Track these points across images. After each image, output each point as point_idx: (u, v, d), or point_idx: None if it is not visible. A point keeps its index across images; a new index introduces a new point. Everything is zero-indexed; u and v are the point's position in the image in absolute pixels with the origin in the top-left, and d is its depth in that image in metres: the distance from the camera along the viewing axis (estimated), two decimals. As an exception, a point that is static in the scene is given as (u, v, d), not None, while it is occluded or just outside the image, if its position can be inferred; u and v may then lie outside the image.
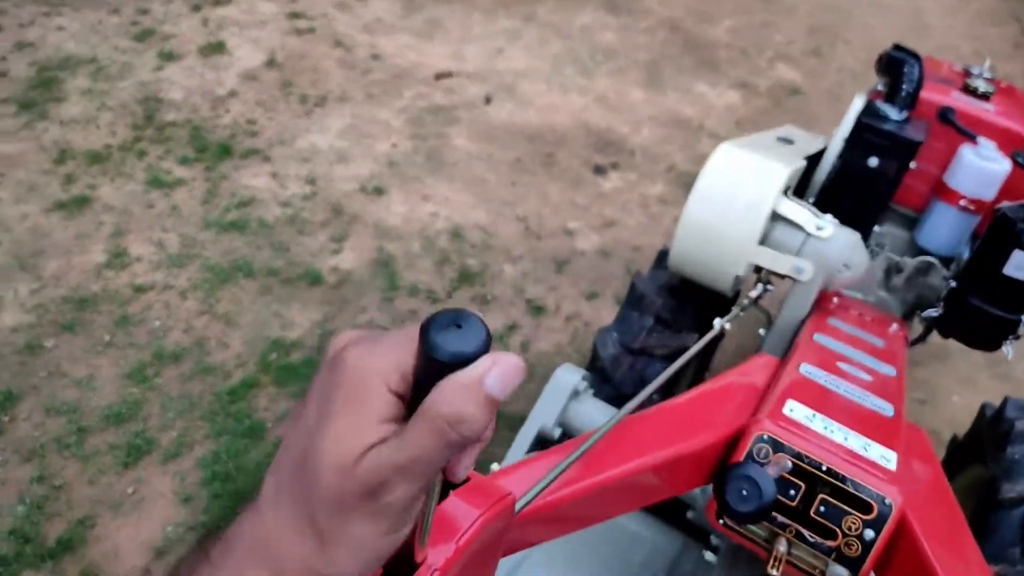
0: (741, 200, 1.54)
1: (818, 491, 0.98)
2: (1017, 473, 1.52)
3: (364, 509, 0.36)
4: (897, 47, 1.78)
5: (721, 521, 1.02)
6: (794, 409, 1.09)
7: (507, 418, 2.16)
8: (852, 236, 1.58)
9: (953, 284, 1.69)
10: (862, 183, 1.76)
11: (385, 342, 0.39)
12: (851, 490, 0.97)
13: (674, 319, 1.78)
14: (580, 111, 4.07)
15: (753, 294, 1.62)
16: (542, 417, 1.54)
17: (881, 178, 1.74)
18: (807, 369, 1.26)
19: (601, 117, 4.05)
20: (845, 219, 1.64)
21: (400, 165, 3.50)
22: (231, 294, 2.75)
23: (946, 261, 1.86)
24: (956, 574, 0.90)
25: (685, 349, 1.76)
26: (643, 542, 1.53)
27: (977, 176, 1.74)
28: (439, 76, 4.15)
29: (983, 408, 1.80)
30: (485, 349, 0.38)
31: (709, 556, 1.38)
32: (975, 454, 1.75)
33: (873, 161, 1.73)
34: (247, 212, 3.12)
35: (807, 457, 0.99)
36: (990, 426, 1.71)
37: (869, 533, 0.95)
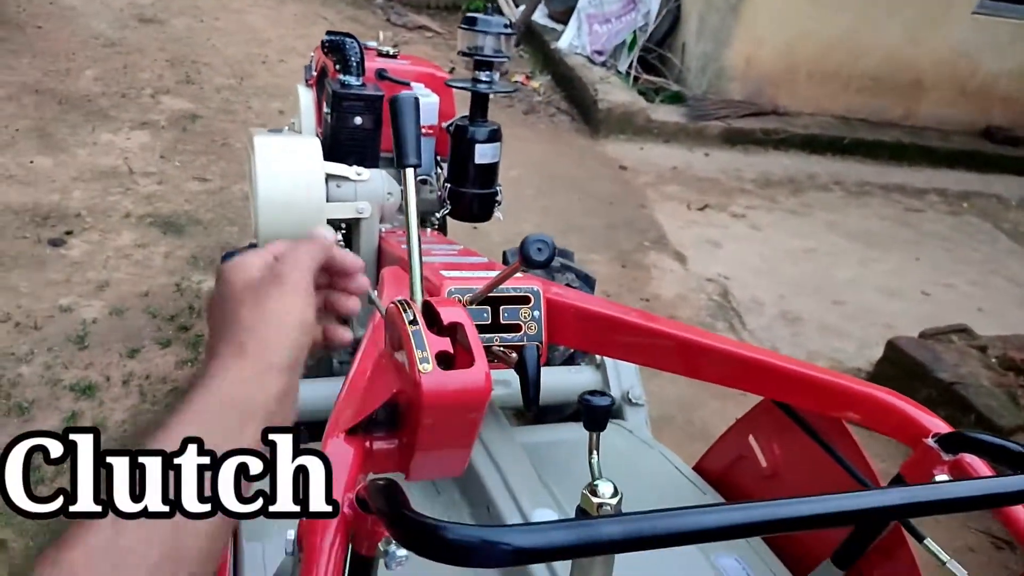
0: (300, 173, 1.85)
1: (498, 305, 1.41)
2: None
3: None
4: (331, 33, 2.25)
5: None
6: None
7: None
8: (382, 172, 2.04)
9: (440, 193, 2.29)
10: (356, 140, 2.21)
11: None
12: (516, 294, 1.43)
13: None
14: (-9, 197, 3.67)
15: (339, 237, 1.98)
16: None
17: (367, 131, 2.22)
18: (447, 273, 1.67)
19: (19, 194, 3.72)
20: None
21: None
22: None
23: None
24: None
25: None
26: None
27: (423, 109, 2.35)
28: None
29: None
30: None
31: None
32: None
33: (358, 120, 2.19)
34: None
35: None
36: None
37: (536, 314, 1.43)
